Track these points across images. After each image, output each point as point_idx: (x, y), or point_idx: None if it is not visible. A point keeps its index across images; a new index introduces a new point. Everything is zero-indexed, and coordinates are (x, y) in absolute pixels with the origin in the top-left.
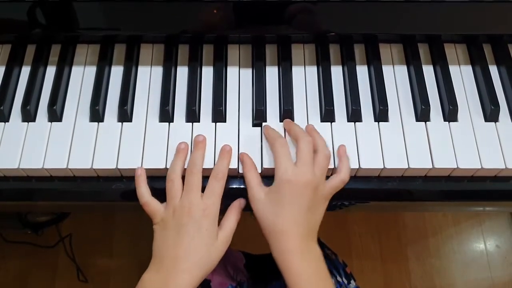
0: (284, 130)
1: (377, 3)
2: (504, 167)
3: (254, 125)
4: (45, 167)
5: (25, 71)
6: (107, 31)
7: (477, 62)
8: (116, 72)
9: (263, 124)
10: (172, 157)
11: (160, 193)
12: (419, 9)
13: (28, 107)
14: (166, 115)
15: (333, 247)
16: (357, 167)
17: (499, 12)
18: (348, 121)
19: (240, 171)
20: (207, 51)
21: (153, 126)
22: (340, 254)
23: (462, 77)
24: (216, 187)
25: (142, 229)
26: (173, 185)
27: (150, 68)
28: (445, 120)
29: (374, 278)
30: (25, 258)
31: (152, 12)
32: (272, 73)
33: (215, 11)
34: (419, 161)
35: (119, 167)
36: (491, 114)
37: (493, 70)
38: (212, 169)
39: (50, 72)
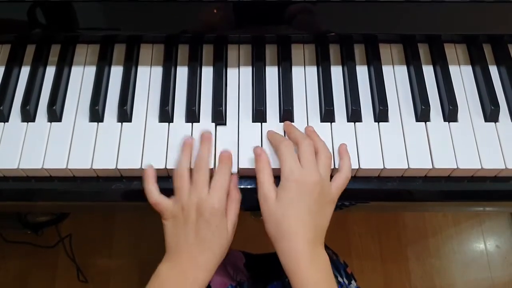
0: (284, 132)
1: (377, 3)
2: (504, 167)
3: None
4: (44, 167)
5: (25, 71)
6: (107, 31)
7: (477, 62)
8: (116, 72)
9: (263, 123)
10: (172, 157)
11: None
12: (419, 9)
13: (27, 107)
14: (166, 115)
15: (333, 247)
16: (357, 167)
17: (499, 12)
18: (348, 121)
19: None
20: (207, 51)
21: (152, 126)
22: (340, 254)
23: (462, 77)
24: (222, 182)
25: (142, 229)
26: (181, 179)
27: (150, 68)
28: (445, 121)
29: (374, 278)
30: (25, 258)
31: (152, 12)
32: (272, 73)
33: (215, 11)
34: (419, 162)
35: (118, 167)
36: (491, 114)
37: (493, 70)
38: (212, 169)
39: (50, 72)
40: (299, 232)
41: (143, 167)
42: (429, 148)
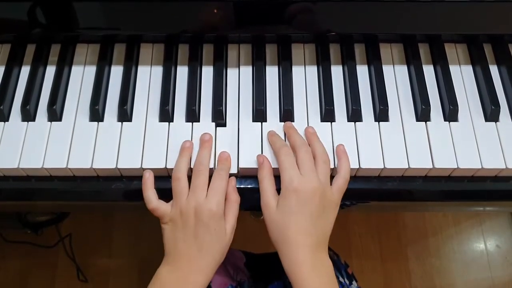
0: (285, 134)
1: (378, 2)
2: (504, 167)
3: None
4: (44, 166)
5: (25, 70)
6: (107, 30)
7: (478, 62)
8: (116, 72)
9: (263, 123)
10: (172, 156)
11: (160, 193)
12: (420, 9)
13: (27, 107)
14: (166, 115)
15: (333, 247)
16: (357, 167)
17: (500, 12)
18: (348, 121)
19: (241, 170)
20: (207, 50)
21: (153, 125)
22: (340, 254)
23: (463, 77)
24: (220, 185)
25: (142, 229)
26: (179, 183)
27: (150, 68)
28: (445, 120)
29: (374, 278)
30: (25, 258)
31: (152, 11)
32: (272, 73)
33: (215, 11)
34: (420, 161)
35: (119, 166)
36: (491, 114)
37: (494, 70)
38: (212, 168)
39: (50, 71)
40: (300, 240)
41: (143, 167)
42: (429, 148)
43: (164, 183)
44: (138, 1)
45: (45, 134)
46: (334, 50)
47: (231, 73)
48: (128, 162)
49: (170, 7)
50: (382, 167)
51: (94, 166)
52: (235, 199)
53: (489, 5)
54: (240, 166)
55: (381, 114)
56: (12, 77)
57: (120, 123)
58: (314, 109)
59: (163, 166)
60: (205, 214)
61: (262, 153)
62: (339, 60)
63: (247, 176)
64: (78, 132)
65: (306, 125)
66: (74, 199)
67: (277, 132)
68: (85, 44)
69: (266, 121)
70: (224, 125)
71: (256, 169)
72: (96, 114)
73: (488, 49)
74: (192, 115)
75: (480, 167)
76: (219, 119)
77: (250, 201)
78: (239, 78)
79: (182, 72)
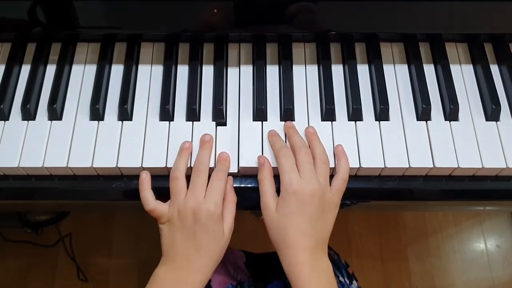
0: (285, 134)
1: (378, 2)
2: (505, 166)
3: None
4: (45, 165)
5: (25, 69)
6: (108, 29)
7: (478, 61)
8: (117, 71)
9: (264, 122)
10: (172, 156)
11: (160, 192)
12: (420, 8)
13: (28, 106)
14: (167, 114)
15: (333, 246)
16: (358, 166)
17: (500, 11)
18: (348, 120)
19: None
20: (208, 50)
21: (153, 125)
22: (340, 253)
23: (463, 76)
24: (218, 186)
25: (142, 229)
26: (177, 183)
27: (150, 67)
28: (446, 119)
29: (374, 277)
30: (25, 257)
31: (152, 11)
32: (272, 72)
33: (215, 10)
34: (420, 160)
35: (119, 165)
36: (492, 113)
37: (494, 69)
38: (212, 168)
39: (50, 70)
40: (299, 241)
41: (143, 166)
42: (430, 147)
43: (164, 182)
44: (139, 0)
45: (46, 133)
46: (334, 49)
47: (232, 72)
48: (129, 161)
49: (171, 6)
50: (383, 166)
51: (94, 165)
52: (232, 199)
53: (490, 4)
54: (241, 165)
55: (382, 113)
56: (13, 76)
57: (120, 122)
58: (315, 108)
59: (163, 165)
60: (203, 214)
61: (262, 152)
62: (340, 59)
63: (248, 175)
64: (79, 131)
65: (307, 124)
66: (74, 198)
67: (278, 131)
68: (85, 43)
69: (266, 120)
70: (225, 124)
71: (256, 168)
72: (97, 113)
73: (488, 49)
74: (193, 114)
75: (480, 166)
76: (219, 118)
77: (250, 200)
78: (240, 77)
79: (182, 71)
